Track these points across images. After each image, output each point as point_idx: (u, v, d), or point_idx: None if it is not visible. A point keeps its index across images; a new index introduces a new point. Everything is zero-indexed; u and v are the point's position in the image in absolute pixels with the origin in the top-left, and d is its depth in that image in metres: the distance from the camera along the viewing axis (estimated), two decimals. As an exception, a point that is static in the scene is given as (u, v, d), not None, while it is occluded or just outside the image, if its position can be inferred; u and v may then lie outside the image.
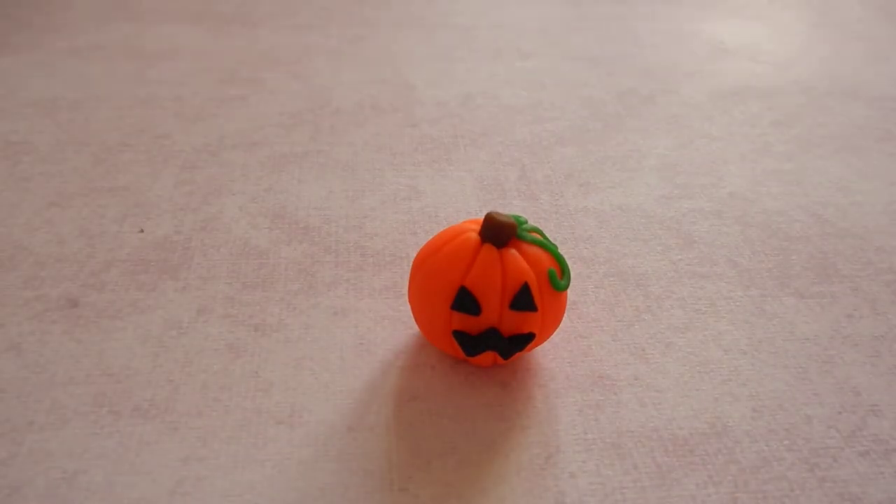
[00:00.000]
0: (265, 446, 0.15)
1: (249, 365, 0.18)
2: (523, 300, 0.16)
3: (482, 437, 0.16)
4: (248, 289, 0.19)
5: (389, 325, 0.19)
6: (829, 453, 0.16)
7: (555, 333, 0.19)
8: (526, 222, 0.17)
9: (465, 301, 0.16)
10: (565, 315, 0.19)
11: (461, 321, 0.16)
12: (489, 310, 0.16)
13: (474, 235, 0.17)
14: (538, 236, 0.17)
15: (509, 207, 0.24)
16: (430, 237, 0.22)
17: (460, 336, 0.16)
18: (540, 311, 0.16)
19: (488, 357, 0.17)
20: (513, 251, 0.16)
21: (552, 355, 0.18)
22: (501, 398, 0.17)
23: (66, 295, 0.20)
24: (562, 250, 0.22)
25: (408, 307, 0.19)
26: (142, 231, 0.22)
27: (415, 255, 0.21)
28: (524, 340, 0.16)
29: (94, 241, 0.22)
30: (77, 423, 0.16)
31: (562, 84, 0.34)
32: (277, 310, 0.19)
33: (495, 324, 0.16)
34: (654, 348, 0.18)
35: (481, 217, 0.18)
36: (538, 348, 0.18)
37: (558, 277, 0.16)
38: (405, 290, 0.20)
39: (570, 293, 0.20)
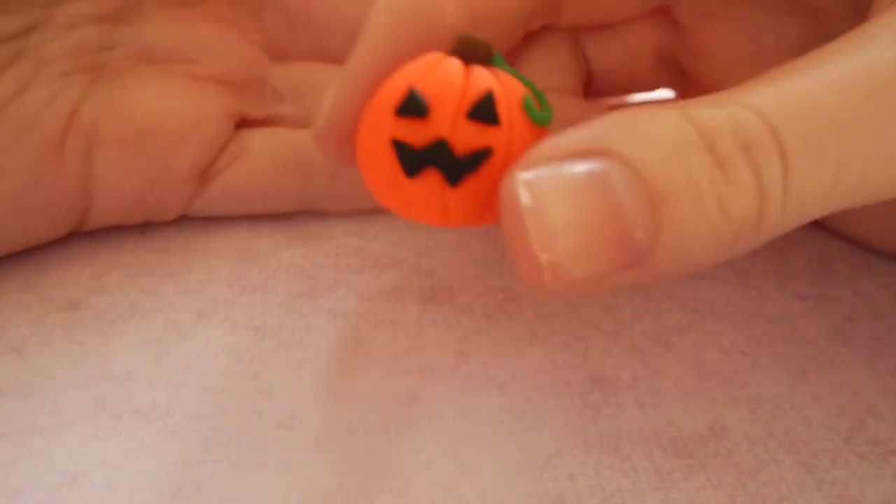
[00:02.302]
0: (266, 449, 0.16)
1: (250, 367, 0.18)
2: (484, 109, 0.13)
3: (481, 440, 0.16)
4: (248, 291, 0.20)
5: (390, 327, 0.19)
6: (827, 455, 0.16)
7: (554, 335, 0.19)
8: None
9: (413, 102, 0.13)
10: (565, 315, 0.19)
11: (406, 129, 0.13)
12: (440, 116, 0.13)
13: (440, 53, 0.14)
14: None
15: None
16: (430, 239, 0.22)
17: (401, 146, 0.13)
18: (504, 132, 0.13)
19: (432, 195, 0.13)
20: (483, 69, 0.14)
21: (551, 357, 0.18)
22: (500, 400, 0.17)
23: (67, 297, 0.20)
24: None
25: (408, 308, 0.19)
26: (142, 232, 0.22)
27: (415, 255, 0.21)
28: (478, 157, 0.13)
29: (95, 243, 0.22)
30: (78, 425, 0.16)
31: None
32: (278, 312, 0.19)
33: (447, 134, 0.13)
34: (653, 350, 0.18)
35: None
36: (537, 350, 0.18)
37: (536, 107, 0.14)
38: (405, 291, 0.20)
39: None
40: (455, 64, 0.14)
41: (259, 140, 0.22)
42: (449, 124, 0.13)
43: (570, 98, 0.21)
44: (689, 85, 0.22)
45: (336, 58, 0.23)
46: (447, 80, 0.13)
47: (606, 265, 0.12)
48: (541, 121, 0.14)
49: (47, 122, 0.19)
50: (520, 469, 0.15)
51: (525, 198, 0.12)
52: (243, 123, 0.22)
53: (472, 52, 0.14)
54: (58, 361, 0.18)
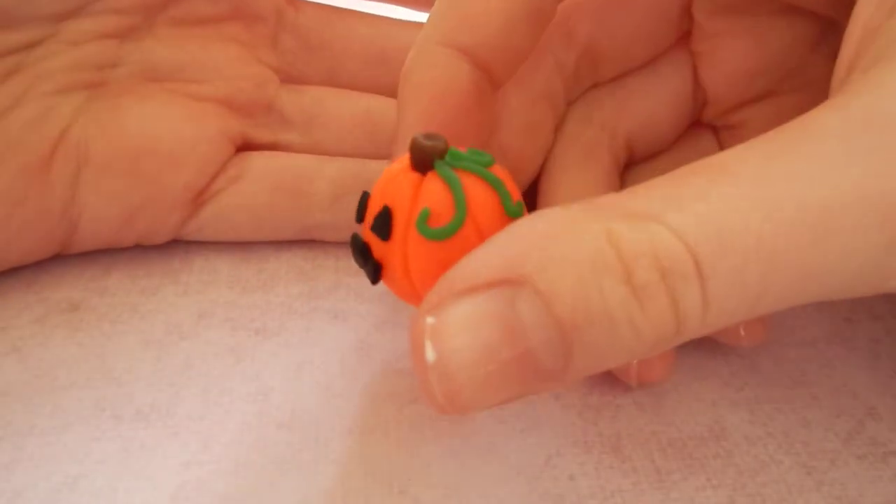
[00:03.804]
0: (266, 450, 0.16)
1: (250, 369, 0.18)
2: (380, 224, 0.14)
3: (481, 440, 0.16)
4: (248, 292, 0.20)
5: (390, 328, 0.19)
6: (826, 456, 0.16)
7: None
8: (474, 155, 0.15)
9: (361, 207, 0.15)
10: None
11: (361, 229, 0.15)
12: (366, 223, 0.15)
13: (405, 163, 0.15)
14: (473, 174, 0.14)
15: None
16: None
17: (354, 242, 0.15)
18: (395, 244, 0.14)
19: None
20: (417, 176, 0.14)
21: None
22: (501, 401, 0.17)
23: (68, 299, 0.20)
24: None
25: (408, 308, 0.19)
26: None
27: None
28: (377, 268, 0.15)
29: (95, 244, 0.22)
30: (79, 427, 0.16)
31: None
32: (278, 314, 0.19)
33: (366, 241, 0.15)
34: (653, 351, 0.18)
35: None
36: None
37: (429, 223, 0.14)
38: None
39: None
40: (397, 175, 0.15)
41: (259, 164, 0.21)
42: (366, 232, 0.15)
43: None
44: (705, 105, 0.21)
45: (351, 82, 0.23)
46: (379, 188, 0.15)
47: (515, 391, 0.12)
48: (432, 235, 0.14)
49: (34, 142, 0.19)
50: (520, 469, 0.15)
51: (429, 353, 0.12)
52: (246, 146, 0.22)
53: (418, 158, 0.14)
54: (58, 362, 0.18)
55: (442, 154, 0.14)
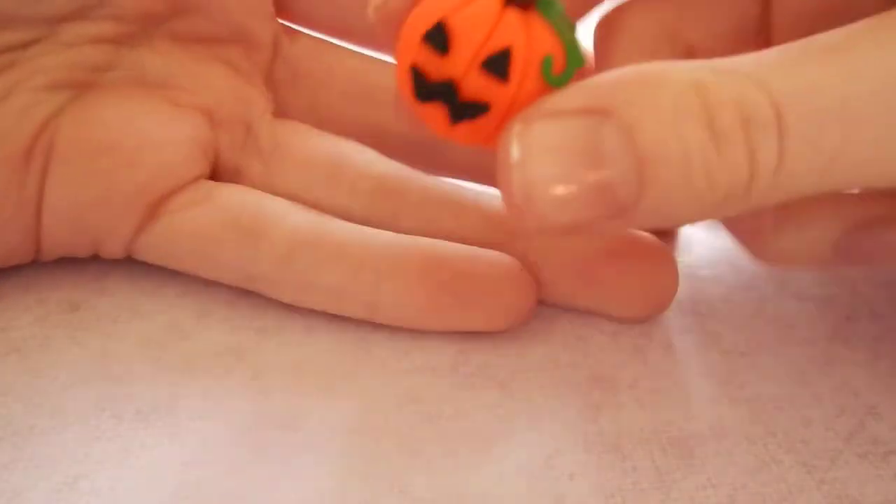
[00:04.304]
0: (266, 450, 0.16)
1: (250, 368, 0.18)
2: (498, 63, 0.14)
3: (481, 439, 0.16)
4: (248, 292, 0.20)
5: (389, 328, 0.19)
6: (827, 455, 0.16)
7: (554, 334, 0.19)
8: (562, 9, 0.15)
9: (437, 35, 0.14)
10: (565, 315, 0.19)
11: (426, 58, 0.14)
12: (457, 58, 0.14)
13: None
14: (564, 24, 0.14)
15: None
16: None
17: (417, 74, 0.14)
18: (513, 88, 0.14)
19: (439, 119, 0.14)
20: (518, 16, 0.14)
21: (551, 356, 0.18)
22: (501, 400, 0.17)
23: (68, 299, 0.20)
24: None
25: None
26: None
27: None
28: (475, 109, 0.14)
29: (95, 244, 0.22)
30: (79, 427, 0.16)
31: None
32: (278, 314, 0.19)
33: (458, 78, 0.14)
34: (653, 350, 0.18)
35: None
36: (537, 350, 0.18)
37: (553, 71, 0.14)
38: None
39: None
40: (493, 4, 0.14)
41: (225, 194, 0.20)
42: (463, 68, 0.14)
43: None
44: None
45: (329, 115, 0.22)
46: (476, 22, 0.14)
47: (587, 216, 0.13)
48: (556, 83, 0.14)
49: (16, 134, 0.18)
50: (520, 467, 0.15)
51: (515, 151, 0.13)
52: (217, 164, 0.21)
53: None
54: (59, 362, 0.18)
55: None
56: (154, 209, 0.19)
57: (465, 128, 0.14)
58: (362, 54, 0.22)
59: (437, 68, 0.14)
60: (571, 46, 0.14)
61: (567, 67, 0.14)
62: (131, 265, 0.21)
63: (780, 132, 0.12)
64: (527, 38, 0.14)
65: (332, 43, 0.23)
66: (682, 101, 0.12)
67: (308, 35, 0.22)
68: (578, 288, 0.19)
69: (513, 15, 0.14)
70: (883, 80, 0.12)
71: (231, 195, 0.20)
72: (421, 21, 0.14)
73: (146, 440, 0.16)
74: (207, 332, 0.19)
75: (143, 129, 0.20)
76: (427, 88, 0.14)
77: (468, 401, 0.17)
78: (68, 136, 0.19)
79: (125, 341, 0.18)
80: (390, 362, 0.18)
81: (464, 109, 0.14)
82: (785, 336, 0.19)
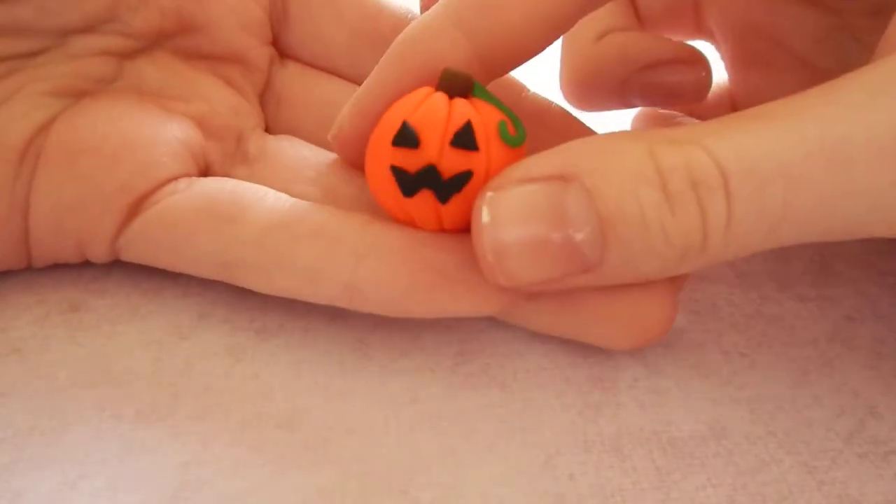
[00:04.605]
0: (265, 450, 0.16)
1: (250, 369, 0.18)
2: (464, 137, 0.16)
3: (481, 439, 0.16)
4: (248, 293, 0.20)
5: (388, 328, 0.19)
6: (827, 455, 0.16)
7: (554, 335, 0.19)
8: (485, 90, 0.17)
9: (406, 134, 0.16)
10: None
11: (401, 157, 0.16)
12: (428, 146, 0.16)
13: (430, 88, 0.17)
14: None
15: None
16: None
17: (398, 172, 0.16)
18: (482, 155, 0.16)
19: (427, 210, 0.16)
20: (463, 101, 0.16)
21: (551, 357, 0.18)
22: (500, 400, 0.17)
23: (68, 299, 0.20)
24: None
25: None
26: None
27: None
28: (461, 180, 0.16)
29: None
30: (79, 427, 0.16)
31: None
32: (278, 314, 0.19)
33: (435, 161, 0.16)
34: (653, 350, 0.18)
35: None
36: (537, 350, 0.18)
37: (510, 132, 0.16)
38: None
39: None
40: (440, 98, 0.16)
41: (204, 182, 0.19)
42: (436, 152, 0.16)
43: (635, 33, 0.23)
44: (716, 42, 0.24)
45: (307, 140, 0.22)
46: (433, 113, 0.16)
47: (555, 273, 0.14)
48: (513, 143, 0.16)
49: (12, 136, 0.18)
50: (520, 468, 0.15)
51: (485, 216, 0.14)
52: (207, 170, 0.20)
53: (454, 85, 0.16)
54: (59, 363, 0.18)
55: (473, 81, 0.16)
56: (135, 209, 0.18)
57: (454, 204, 0.16)
58: (344, 84, 0.23)
59: (415, 161, 0.16)
60: (513, 115, 0.17)
61: (517, 131, 0.16)
62: (131, 266, 0.21)
63: (728, 194, 0.13)
64: (478, 114, 0.16)
65: (317, 72, 0.23)
66: (637, 166, 0.13)
67: (297, 63, 0.23)
68: (557, 314, 0.17)
69: (459, 101, 0.16)
70: (818, 146, 0.13)
71: (208, 182, 0.19)
72: (382, 134, 0.16)
73: (146, 440, 0.16)
74: (207, 332, 0.19)
75: (127, 129, 0.19)
76: (411, 181, 0.16)
77: (468, 401, 0.17)
78: (55, 140, 0.19)
79: (125, 342, 0.18)
80: (389, 362, 0.18)
81: (450, 186, 0.16)
82: (785, 336, 0.19)
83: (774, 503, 0.15)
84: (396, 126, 0.16)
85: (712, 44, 0.25)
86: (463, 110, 0.16)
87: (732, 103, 0.24)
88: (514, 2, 0.17)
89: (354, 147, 0.19)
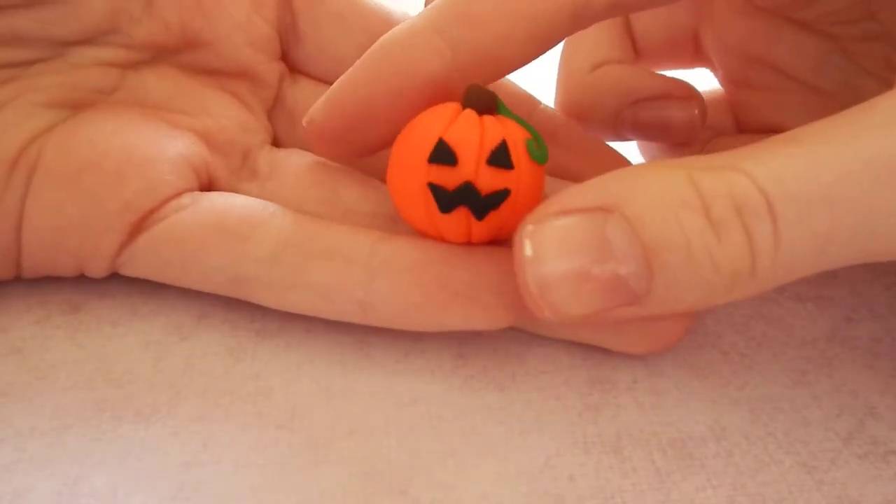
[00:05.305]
0: (265, 450, 0.16)
1: (250, 369, 0.18)
2: (501, 156, 0.16)
3: (481, 440, 0.16)
4: (248, 293, 0.20)
5: (389, 330, 0.19)
6: (827, 456, 0.16)
7: (553, 336, 0.19)
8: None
9: (443, 152, 0.16)
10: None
11: (438, 174, 0.16)
12: (466, 163, 0.16)
13: (455, 104, 0.17)
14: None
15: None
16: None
17: (436, 189, 0.16)
18: (516, 173, 0.16)
19: (462, 224, 0.16)
20: (492, 119, 0.17)
21: (551, 358, 0.18)
22: (500, 401, 0.17)
23: (69, 300, 0.20)
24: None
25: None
26: None
27: None
28: (499, 197, 0.16)
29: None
30: (79, 428, 0.16)
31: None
32: (278, 314, 0.19)
33: (473, 179, 0.16)
34: (653, 351, 0.18)
35: None
36: (537, 351, 0.18)
37: (535, 149, 0.17)
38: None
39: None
40: (471, 115, 0.16)
41: (211, 198, 0.19)
42: (473, 170, 0.16)
43: (629, 66, 0.23)
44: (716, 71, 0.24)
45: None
46: (468, 131, 0.16)
47: (601, 306, 0.14)
48: (540, 160, 0.17)
49: (3, 144, 0.18)
50: (520, 469, 0.15)
51: (528, 250, 0.14)
52: (211, 186, 0.20)
53: (480, 102, 0.17)
54: (59, 364, 0.18)
55: (497, 98, 0.17)
56: (138, 226, 0.18)
57: (487, 221, 0.16)
58: None
59: (452, 178, 0.16)
60: (535, 132, 0.17)
61: (541, 148, 0.17)
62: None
63: (773, 218, 0.13)
64: (508, 131, 0.16)
65: (329, 87, 0.23)
66: (678, 193, 0.13)
67: (309, 79, 0.23)
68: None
69: (488, 119, 0.17)
70: (859, 166, 0.13)
71: (215, 198, 0.19)
72: (412, 150, 0.16)
73: (146, 441, 0.16)
74: (207, 333, 0.19)
75: (130, 145, 0.19)
76: (449, 198, 0.16)
77: (468, 402, 0.17)
78: (53, 153, 0.18)
79: (126, 342, 0.18)
80: (389, 364, 0.18)
81: (488, 203, 0.16)
82: (784, 336, 0.19)
83: (774, 503, 0.15)
84: (429, 142, 0.16)
85: (711, 70, 0.25)
86: (496, 128, 0.16)
87: (734, 118, 0.24)
88: (498, 15, 0.17)
89: (325, 137, 0.19)
